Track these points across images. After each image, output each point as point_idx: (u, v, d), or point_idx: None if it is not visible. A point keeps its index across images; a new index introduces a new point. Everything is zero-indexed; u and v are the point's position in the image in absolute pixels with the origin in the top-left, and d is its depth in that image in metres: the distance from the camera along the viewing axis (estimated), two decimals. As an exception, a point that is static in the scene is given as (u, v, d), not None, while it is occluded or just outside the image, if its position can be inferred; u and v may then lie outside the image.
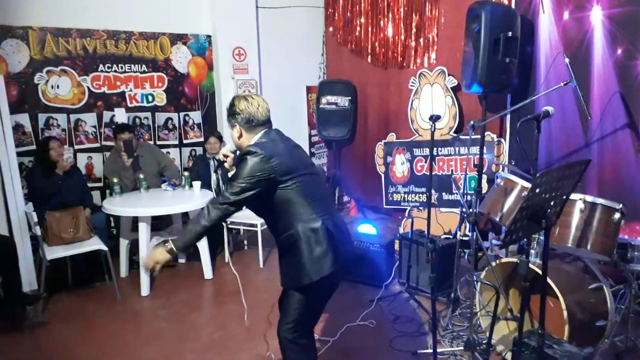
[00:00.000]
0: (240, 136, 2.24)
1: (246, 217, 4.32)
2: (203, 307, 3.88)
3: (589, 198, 2.64)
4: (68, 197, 4.03)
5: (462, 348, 2.88)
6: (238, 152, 2.31)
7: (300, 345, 2.24)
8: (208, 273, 4.24)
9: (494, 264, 2.87)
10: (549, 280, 2.47)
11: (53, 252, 3.65)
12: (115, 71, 5.01)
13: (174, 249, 2.12)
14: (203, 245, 4.18)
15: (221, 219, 2.14)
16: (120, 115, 5.01)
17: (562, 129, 3.68)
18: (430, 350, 2.72)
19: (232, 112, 2.24)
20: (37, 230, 3.59)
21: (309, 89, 6.13)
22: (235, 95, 2.34)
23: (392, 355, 2.99)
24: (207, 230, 2.13)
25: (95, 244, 3.80)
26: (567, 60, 3.20)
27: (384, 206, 5.03)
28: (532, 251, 2.74)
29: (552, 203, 2.02)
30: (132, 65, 5.11)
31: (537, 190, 1.92)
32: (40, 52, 4.58)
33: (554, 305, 2.55)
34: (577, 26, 3.60)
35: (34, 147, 4.50)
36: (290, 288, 2.22)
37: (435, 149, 4.48)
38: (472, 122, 3.36)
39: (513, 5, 4.01)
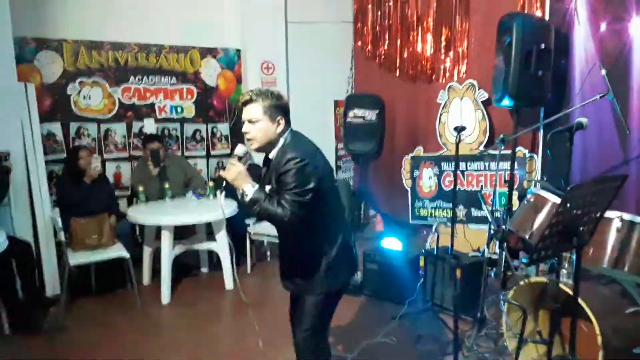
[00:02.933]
0: (284, 131, 2.09)
1: (269, 228, 4.27)
2: (222, 318, 3.84)
3: (627, 216, 2.49)
4: (95, 205, 4.07)
5: (487, 371, 2.74)
6: (248, 154, 2.14)
7: (321, 350, 2.23)
8: (229, 284, 4.21)
9: (522, 283, 2.72)
10: (581, 303, 2.32)
11: (77, 258, 3.69)
12: (145, 83, 5.10)
13: (249, 194, 1.97)
14: (225, 256, 4.16)
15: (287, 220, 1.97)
16: (149, 126, 5.09)
17: (598, 144, 3.50)
18: (453, 372, 2.59)
19: (281, 105, 2.08)
20: (62, 236, 3.64)
21: (336, 103, 6.10)
22: (272, 88, 2.15)
23: (414, 376, 2.87)
24: (275, 217, 1.97)
25: (118, 250, 3.82)
26: (603, 71, 3.07)
27: (410, 221, 4.91)
28: (564, 271, 2.58)
29: (584, 220, 1.90)
30: (162, 78, 5.20)
31: (568, 205, 1.80)
32: (74, 63, 4.72)
33: (588, 329, 2.38)
34: (615, 38, 3.45)
35: (65, 155, 4.60)
36: (306, 295, 2.16)
37: (464, 163, 4.36)
38: (501, 136, 3.25)
39: (547, 17, 3.88)
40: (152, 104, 5.17)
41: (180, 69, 5.30)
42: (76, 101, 4.77)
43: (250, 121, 2.06)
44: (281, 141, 2.08)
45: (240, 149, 2.12)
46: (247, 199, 1.98)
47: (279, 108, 2.07)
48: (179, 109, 5.32)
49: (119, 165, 5.00)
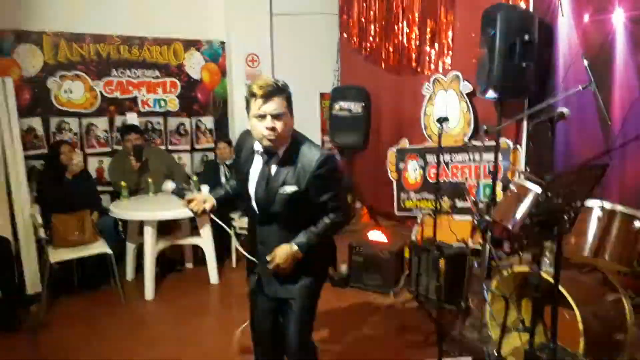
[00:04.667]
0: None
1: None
2: (207, 312, 3.82)
3: (608, 205, 2.49)
4: (77, 200, 4.00)
5: (471, 359, 2.74)
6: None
7: (313, 344, 2.19)
8: (214, 278, 4.18)
9: (505, 273, 2.73)
10: (563, 291, 2.33)
11: (58, 255, 3.63)
12: (128, 76, 5.03)
13: (304, 247, 1.97)
14: (209, 250, 4.13)
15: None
16: (132, 120, 5.03)
17: (581, 134, 3.52)
18: (438, 362, 2.60)
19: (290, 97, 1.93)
20: (42, 233, 3.58)
21: (322, 96, 6.07)
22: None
23: (399, 366, 2.87)
24: (337, 228, 2.05)
25: (100, 247, 3.77)
26: (586, 62, 3.08)
27: (396, 213, 4.92)
28: (546, 260, 2.59)
29: (565, 209, 1.89)
30: (145, 71, 5.13)
31: (549, 194, 1.80)
32: (54, 56, 4.63)
33: (570, 317, 2.40)
34: (598, 29, 3.45)
35: (46, 150, 4.52)
36: (301, 290, 2.07)
37: (449, 155, 4.37)
38: (485, 127, 3.26)
39: (531, 9, 3.88)
40: (135, 98, 5.10)
41: (164, 61, 5.23)
42: (57, 95, 4.69)
43: (276, 116, 1.85)
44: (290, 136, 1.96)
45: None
46: (308, 249, 1.97)
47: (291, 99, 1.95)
48: (163, 103, 5.26)
49: (102, 160, 4.93)
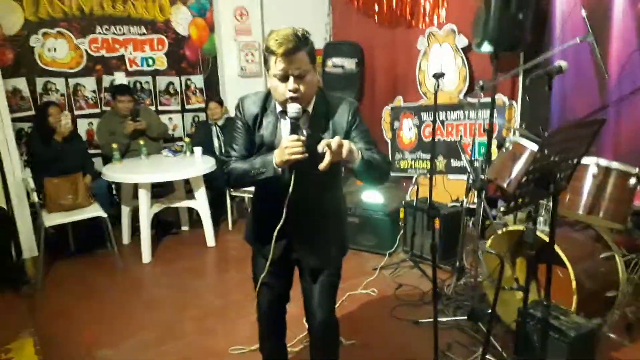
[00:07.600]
0: None
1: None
2: (205, 274, 3.85)
3: (603, 162, 2.49)
4: (68, 163, 3.95)
5: (465, 317, 2.80)
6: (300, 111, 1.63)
7: (339, 323, 2.13)
8: (210, 241, 4.20)
9: (499, 232, 2.74)
10: (557, 249, 2.35)
11: (52, 219, 3.61)
12: (113, 33, 4.85)
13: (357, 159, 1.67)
14: (205, 213, 4.12)
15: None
16: (121, 80, 4.89)
17: (577, 89, 3.47)
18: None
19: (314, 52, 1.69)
20: (35, 197, 3.54)
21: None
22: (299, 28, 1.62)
23: (394, 324, 2.93)
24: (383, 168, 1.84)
25: (95, 210, 3.75)
26: (584, 13, 2.99)
27: (391, 174, 4.89)
28: (541, 219, 2.61)
29: (561, 166, 1.87)
30: (131, 27, 4.95)
31: (546, 151, 1.77)
32: (35, 13, 4.43)
33: (563, 275, 2.43)
34: (597, -23, 3.34)
35: (33, 112, 4.41)
36: (335, 261, 1.98)
37: (444, 113, 4.31)
38: (480, 83, 3.20)
39: (529, -44, 3.73)
40: (122, 56, 4.94)
41: (150, 17, 5.04)
42: (40, 54, 4.52)
43: (299, 75, 1.60)
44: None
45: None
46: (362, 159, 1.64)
47: (314, 55, 1.69)
48: (150, 61, 5.10)
49: (91, 122, 4.81)
